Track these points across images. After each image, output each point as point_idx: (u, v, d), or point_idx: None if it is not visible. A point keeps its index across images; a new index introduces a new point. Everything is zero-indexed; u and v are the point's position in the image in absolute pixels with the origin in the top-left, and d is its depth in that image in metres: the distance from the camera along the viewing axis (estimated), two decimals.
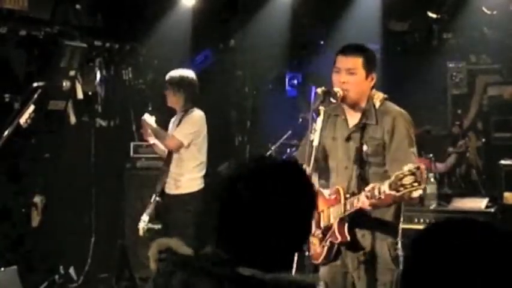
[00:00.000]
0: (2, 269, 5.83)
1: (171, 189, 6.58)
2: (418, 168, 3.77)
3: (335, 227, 4.28)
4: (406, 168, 3.80)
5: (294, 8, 8.12)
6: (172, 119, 6.90)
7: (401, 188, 3.81)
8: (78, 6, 7.22)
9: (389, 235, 4.36)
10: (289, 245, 1.99)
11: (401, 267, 4.33)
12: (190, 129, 6.60)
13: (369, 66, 4.31)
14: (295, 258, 2.26)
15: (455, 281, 1.60)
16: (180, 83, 6.67)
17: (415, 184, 3.77)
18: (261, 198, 1.94)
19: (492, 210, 6.70)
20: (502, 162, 6.92)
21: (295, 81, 8.97)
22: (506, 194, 6.77)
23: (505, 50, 8.04)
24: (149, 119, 6.66)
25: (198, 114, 6.69)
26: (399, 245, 4.37)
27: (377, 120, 4.29)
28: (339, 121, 4.42)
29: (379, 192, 3.95)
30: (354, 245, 4.34)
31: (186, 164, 6.71)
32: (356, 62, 4.29)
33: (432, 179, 6.87)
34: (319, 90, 4.29)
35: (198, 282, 1.86)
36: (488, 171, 7.89)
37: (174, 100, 6.71)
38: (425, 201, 6.80)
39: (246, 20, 8.29)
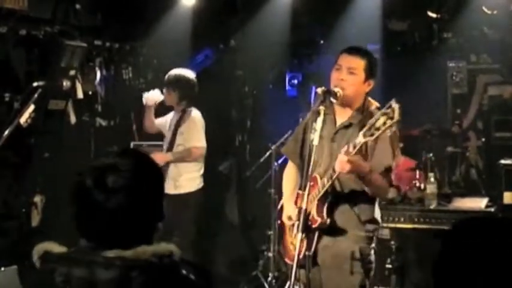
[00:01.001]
0: (2, 268, 5.82)
1: (169, 189, 6.57)
2: (389, 106, 3.77)
3: (314, 211, 4.28)
4: (379, 112, 3.81)
5: (294, 8, 8.12)
6: (169, 116, 7.02)
7: (376, 131, 3.81)
8: (78, 6, 7.21)
9: (362, 239, 4.38)
10: (141, 227, 2.27)
11: (372, 270, 4.42)
12: (201, 132, 6.76)
13: (369, 71, 4.36)
14: None
15: (484, 277, 1.62)
16: (176, 82, 6.78)
17: (388, 121, 3.77)
18: (105, 190, 2.19)
19: (492, 209, 6.70)
20: (502, 161, 6.91)
21: (295, 81, 8.97)
22: (506, 194, 6.77)
23: (505, 49, 8.04)
24: (155, 96, 7.00)
25: (198, 116, 6.82)
26: (372, 251, 4.41)
27: (362, 122, 4.23)
28: (328, 120, 4.40)
29: (354, 146, 3.95)
30: (333, 231, 4.32)
31: (185, 164, 6.76)
32: (358, 63, 4.34)
33: (432, 179, 6.87)
34: (319, 90, 4.31)
35: (74, 271, 2.18)
36: (488, 171, 7.89)
37: (170, 99, 6.85)
38: (425, 201, 6.81)
39: (246, 19, 8.28)
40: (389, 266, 6.40)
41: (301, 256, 4.25)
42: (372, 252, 4.43)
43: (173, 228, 6.41)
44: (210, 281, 2.30)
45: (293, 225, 4.48)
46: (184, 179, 6.74)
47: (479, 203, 6.84)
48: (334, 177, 4.16)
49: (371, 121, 3.84)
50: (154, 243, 2.25)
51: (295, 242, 4.27)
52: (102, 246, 2.19)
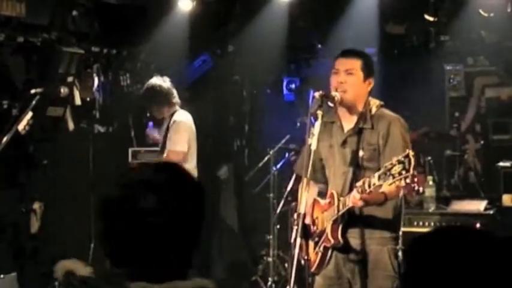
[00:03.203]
0: (2, 275, 5.82)
1: None
2: (406, 156, 3.80)
3: (328, 230, 4.32)
4: (395, 158, 3.84)
5: (291, 12, 8.12)
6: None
7: (390, 178, 3.83)
8: (75, 13, 7.21)
9: (389, 241, 4.37)
10: (176, 256, 1.98)
11: (397, 274, 4.35)
12: (181, 135, 6.63)
13: (367, 70, 4.40)
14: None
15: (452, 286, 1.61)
16: (146, 96, 6.83)
17: (403, 172, 3.78)
18: (141, 214, 1.92)
19: (491, 212, 6.70)
20: (501, 164, 6.93)
21: (293, 86, 8.97)
22: (505, 196, 6.78)
23: (503, 52, 8.05)
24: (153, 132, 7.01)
25: (180, 119, 6.71)
26: (400, 252, 4.38)
27: (373, 125, 4.35)
28: (335, 128, 4.46)
29: (369, 185, 3.98)
30: (347, 249, 4.34)
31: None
32: (355, 64, 4.38)
33: (431, 182, 6.87)
34: (316, 94, 4.33)
35: None
36: (486, 174, 7.89)
37: (154, 113, 6.92)
38: (424, 204, 6.81)
39: (243, 24, 8.28)
40: None
41: (316, 265, 4.34)
42: (400, 253, 4.41)
43: None
44: None
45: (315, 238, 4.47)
46: None
47: (478, 206, 6.84)
48: (349, 207, 4.19)
49: (387, 165, 3.86)
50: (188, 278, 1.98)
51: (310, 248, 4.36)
52: (129, 275, 1.93)
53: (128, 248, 1.95)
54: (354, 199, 4.07)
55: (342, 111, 4.46)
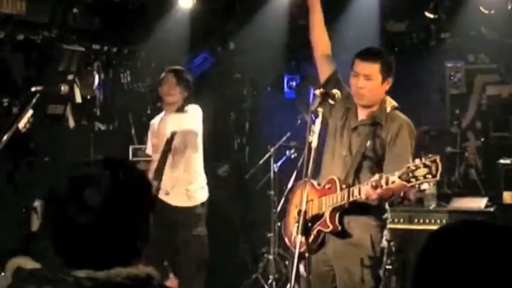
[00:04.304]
0: (2, 273, 5.82)
1: (182, 201, 6.13)
2: (433, 161, 3.95)
3: (326, 216, 4.44)
4: (418, 161, 3.98)
5: (292, 10, 8.11)
6: (157, 119, 6.44)
7: (413, 180, 3.97)
8: (75, 10, 7.21)
9: (373, 228, 4.51)
10: (119, 245, 2.09)
11: (384, 257, 4.61)
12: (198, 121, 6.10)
13: (386, 72, 4.56)
14: None
15: (465, 283, 1.61)
16: (184, 77, 6.20)
17: (429, 176, 3.94)
18: (79, 204, 2.06)
19: (491, 209, 6.70)
20: (501, 161, 6.93)
21: (294, 83, 8.98)
22: (506, 194, 6.78)
23: (503, 49, 8.04)
24: None
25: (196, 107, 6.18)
26: (382, 238, 4.54)
27: (385, 123, 4.50)
28: (350, 114, 4.61)
29: (387, 183, 4.09)
30: (341, 234, 4.49)
31: (197, 167, 6.24)
32: (374, 69, 4.51)
33: None
34: (317, 91, 4.40)
35: None
36: (487, 171, 7.89)
37: (173, 97, 6.14)
38: (424, 201, 6.81)
39: (243, 22, 8.28)
40: (389, 266, 6.39)
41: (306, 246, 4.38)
42: (384, 240, 4.56)
43: (187, 247, 6.11)
44: None
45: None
46: (197, 187, 6.20)
47: (479, 203, 6.84)
48: (357, 198, 4.30)
49: (411, 167, 3.99)
50: (133, 266, 2.07)
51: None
52: (74, 264, 2.04)
53: (70, 239, 2.08)
54: (368, 193, 4.17)
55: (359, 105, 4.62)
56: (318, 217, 4.49)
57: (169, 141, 6.00)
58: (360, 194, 4.24)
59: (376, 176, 4.15)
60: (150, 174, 5.95)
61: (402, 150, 4.44)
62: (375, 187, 4.12)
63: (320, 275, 4.59)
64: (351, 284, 4.49)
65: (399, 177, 4.02)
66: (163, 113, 6.36)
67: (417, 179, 3.96)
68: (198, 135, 6.13)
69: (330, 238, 4.55)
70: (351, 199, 4.32)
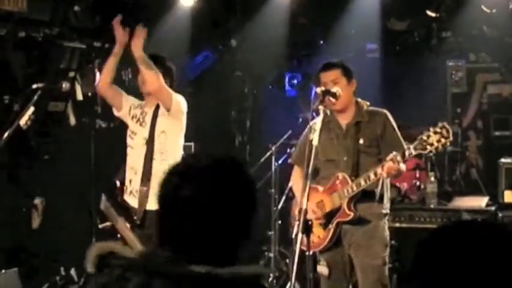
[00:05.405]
0: (3, 271, 5.83)
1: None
2: (442, 127, 4.48)
3: (344, 206, 4.80)
4: (431, 130, 4.47)
5: (293, 8, 8.12)
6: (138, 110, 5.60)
7: (429, 146, 4.47)
8: (77, 8, 7.20)
9: (383, 216, 4.93)
10: (232, 241, 1.99)
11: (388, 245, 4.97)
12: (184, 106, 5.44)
13: (347, 75, 4.93)
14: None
15: (461, 282, 1.60)
16: (166, 65, 5.58)
17: (443, 139, 4.46)
18: (201, 195, 1.92)
19: (492, 208, 6.70)
20: (502, 160, 6.93)
21: (295, 81, 8.97)
22: (507, 192, 6.78)
23: (504, 48, 8.05)
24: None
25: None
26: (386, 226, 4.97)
27: (369, 119, 4.90)
28: (332, 125, 4.95)
29: (404, 156, 4.54)
30: (358, 223, 4.84)
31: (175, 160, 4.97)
32: (336, 73, 4.89)
33: (433, 178, 6.87)
34: (318, 89, 4.66)
35: (155, 284, 1.82)
36: (488, 170, 7.90)
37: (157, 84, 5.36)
38: (426, 200, 6.81)
39: (244, 20, 8.28)
40: (390, 265, 6.38)
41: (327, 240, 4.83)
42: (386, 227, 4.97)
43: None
44: None
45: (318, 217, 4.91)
46: None
47: (480, 202, 6.85)
48: (377, 179, 4.68)
49: (423, 137, 4.49)
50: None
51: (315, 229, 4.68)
52: (187, 259, 1.86)
53: (185, 234, 1.91)
54: (389, 169, 4.55)
55: (337, 113, 4.95)
56: (333, 212, 4.84)
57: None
58: (376, 176, 4.63)
59: (392, 154, 4.54)
60: None
61: (394, 136, 4.88)
62: (395, 162, 4.52)
63: (337, 267, 4.92)
64: (376, 268, 4.84)
65: (415, 148, 4.48)
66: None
67: (432, 145, 4.44)
68: None
69: (347, 230, 4.87)
70: (369, 183, 4.69)
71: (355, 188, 4.75)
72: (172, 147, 5.36)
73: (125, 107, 5.60)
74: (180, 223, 1.91)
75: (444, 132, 4.45)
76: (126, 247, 1.95)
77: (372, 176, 4.66)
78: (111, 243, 1.98)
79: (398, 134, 4.92)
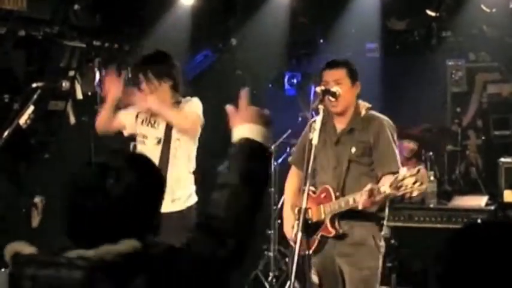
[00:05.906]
0: (2, 269, 5.83)
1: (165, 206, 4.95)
2: (418, 171, 4.16)
3: (327, 222, 4.64)
4: (407, 172, 4.20)
5: (293, 7, 8.12)
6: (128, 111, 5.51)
7: (402, 188, 4.19)
8: (77, 7, 7.20)
9: (374, 227, 4.71)
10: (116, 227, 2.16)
11: (381, 255, 4.78)
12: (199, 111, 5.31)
13: (352, 76, 4.72)
14: None
15: (492, 281, 1.60)
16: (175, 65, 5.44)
17: (416, 184, 4.15)
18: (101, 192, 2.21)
19: (492, 208, 6.70)
20: (502, 160, 6.92)
21: (295, 80, 8.97)
22: (506, 192, 6.77)
23: (504, 47, 8.04)
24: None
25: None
26: (381, 236, 4.77)
27: (363, 126, 4.70)
28: (328, 127, 4.76)
29: (379, 192, 4.29)
30: (343, 236, 4.68)
31: (185, 166, 5.35)
32: (341, 73, 4.69)
33: (432, 178, 6.87)
34: (318, 89, 4.57)
35: (40, 274, 2.11)
36: (488, 169, 7.90)
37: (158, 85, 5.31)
38: (425, 199, 6.81)
39: (245, 19, 8.28)
40: (390, 264, 6.40)
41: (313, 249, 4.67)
42: (382, 239, 4.77)
43: None
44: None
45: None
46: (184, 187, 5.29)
47: (479, 202, 6.84)
48: (353, 206, 4.49)
49: (399, 177, 4.21)
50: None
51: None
52: (85, 243, 2.15)
53: (84, 219, 2.24)
54: (364, 203, 4.34)
55: (334, 114, 4.77)
56: (319, 224, 4.68)
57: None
58: (355, 202, 4.43)
59: (369, 186, 4.33)
60: None
61: (387, 147, 4.65)
62: (369, 196, 4.31)
63: (327, 276, 4.78)
64: (364, 279, 4.67)
65: (390, 186, 4.23)
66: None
67: (406, 187, 4.18)
68: None
69: (334, 241, 4.72)
70: (348, 207, 4.50)
71: (336, 207, 4.59)
72: (184, 154, 5.36)
73: (129, 121, 5.54)
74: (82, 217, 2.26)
75: (419, 176, 4.17)
76: (26, 245, 2.25)
77: (351, 202, 4.48)
78: (15, 244, 2.25)
79: (394, 148, 4.69)
